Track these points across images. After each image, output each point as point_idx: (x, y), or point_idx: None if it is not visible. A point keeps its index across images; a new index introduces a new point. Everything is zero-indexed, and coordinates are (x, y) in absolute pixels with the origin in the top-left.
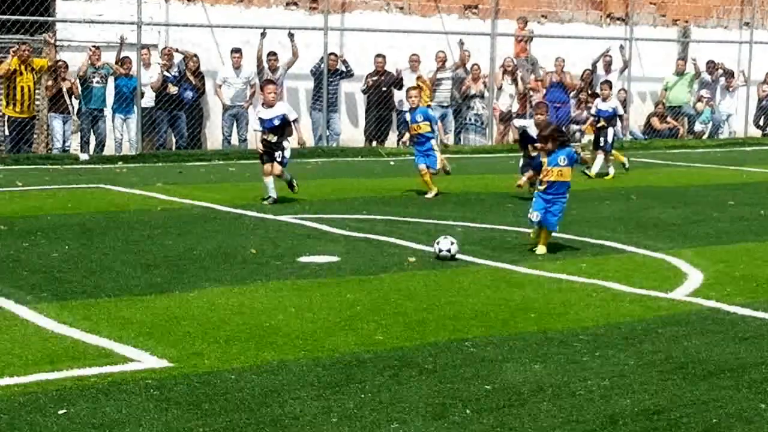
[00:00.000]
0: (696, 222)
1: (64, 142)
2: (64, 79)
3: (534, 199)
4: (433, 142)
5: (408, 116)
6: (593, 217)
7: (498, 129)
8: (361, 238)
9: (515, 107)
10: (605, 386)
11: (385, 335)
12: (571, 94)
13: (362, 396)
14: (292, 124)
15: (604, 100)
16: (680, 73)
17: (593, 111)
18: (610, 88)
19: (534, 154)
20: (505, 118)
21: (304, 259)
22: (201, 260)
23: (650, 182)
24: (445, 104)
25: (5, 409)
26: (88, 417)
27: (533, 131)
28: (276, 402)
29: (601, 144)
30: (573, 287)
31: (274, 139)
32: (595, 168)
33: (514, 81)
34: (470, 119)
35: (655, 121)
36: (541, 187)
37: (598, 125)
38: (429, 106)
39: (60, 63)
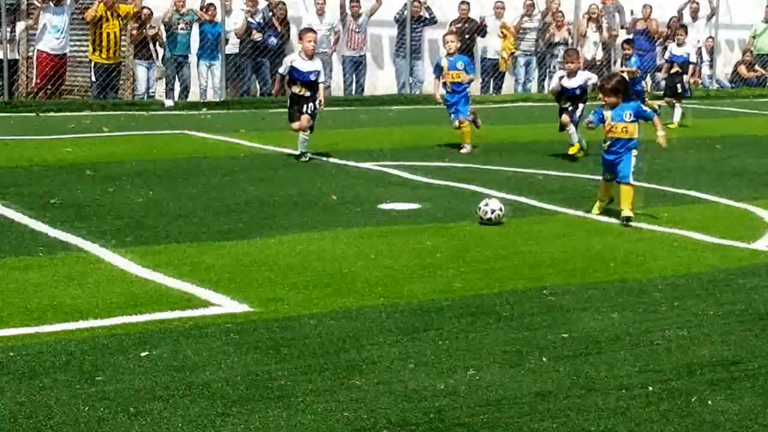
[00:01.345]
0: None
1: (147, 88)
2: (149, 26)
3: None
4: (468, 91)
5: (445, 62)
6: (676, 166)
7: None
8: (441, 185)
9: (599, 55)
10: (683, 336)
11: (464, 282)
12: (657, 42)
13: (439, 342)
14: (319, 85)
15: (679, 45)
16: None
17: (666, 56)
18: (686, 33)
19: (565, 105)
20: (589, 66)
21: (384, 205)
22: (282, 206)
23: (736, 131)
24: (529, 52)
25: (89, 351)
26: (170, 359)
27: (566, 81)
28: (354, 347)
29: (678, 91)
30: (653, 236)
31: (306, 93)
32: (677, 117)
33: (599, 29)
34: (554, 67)
35: (743, 70)
36: (605, 145)
37: (672, 71)
38: (512, 53)
39: (145, 10)
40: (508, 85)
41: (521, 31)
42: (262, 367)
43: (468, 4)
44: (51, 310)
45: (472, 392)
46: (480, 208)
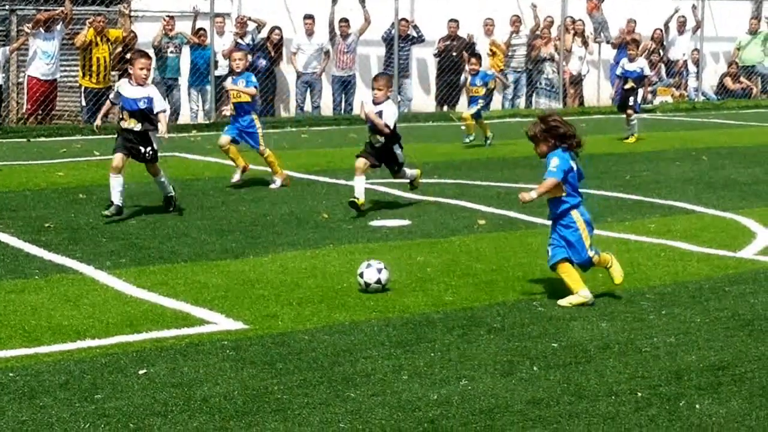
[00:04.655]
0: (767, 182)
1: None
2: (130, 50)
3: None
4: (254, 116)
5: (229, 81)
6: (663, 178)
7: (569, 92)
8: (431, 201)
9: (585, 70)
10: (671, 343)
11: (455, 296)
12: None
13: (432, 354)
14: (157, 115)
15: (631, 60)
16: (753, 33)
17: (619, 72)
18: (638, 47)
19: (376, 144)
20: (575, 81)
21: (375, 223)
22: (274, 225)
23: (722, 142)
24: (520, 69)
25: (88, 370)
26: (167, 376)
27: (370, 108)
28: (348, 361)
29: (630, 104)
30: (641, 247)
31: (137, 127)
32: (635, 130)
33: (584, 44)
34: (541, 83)
35: (728, 81)
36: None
37: (626, 86)
38: (502, 70)
39: (131, 34)
40: (497, 102)
41: (510, 48)
42: (258, 382)
43: (457, 21)
44: (48, 331)
45: (464, 402)
46: (362, 282)
